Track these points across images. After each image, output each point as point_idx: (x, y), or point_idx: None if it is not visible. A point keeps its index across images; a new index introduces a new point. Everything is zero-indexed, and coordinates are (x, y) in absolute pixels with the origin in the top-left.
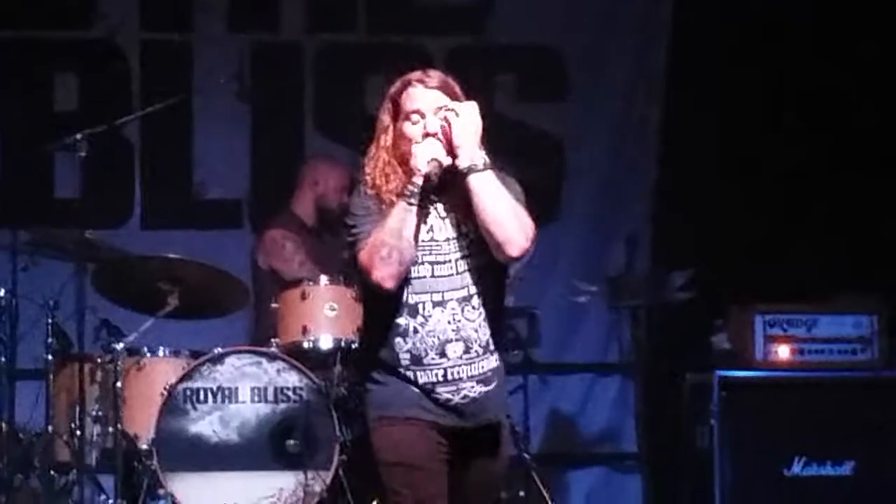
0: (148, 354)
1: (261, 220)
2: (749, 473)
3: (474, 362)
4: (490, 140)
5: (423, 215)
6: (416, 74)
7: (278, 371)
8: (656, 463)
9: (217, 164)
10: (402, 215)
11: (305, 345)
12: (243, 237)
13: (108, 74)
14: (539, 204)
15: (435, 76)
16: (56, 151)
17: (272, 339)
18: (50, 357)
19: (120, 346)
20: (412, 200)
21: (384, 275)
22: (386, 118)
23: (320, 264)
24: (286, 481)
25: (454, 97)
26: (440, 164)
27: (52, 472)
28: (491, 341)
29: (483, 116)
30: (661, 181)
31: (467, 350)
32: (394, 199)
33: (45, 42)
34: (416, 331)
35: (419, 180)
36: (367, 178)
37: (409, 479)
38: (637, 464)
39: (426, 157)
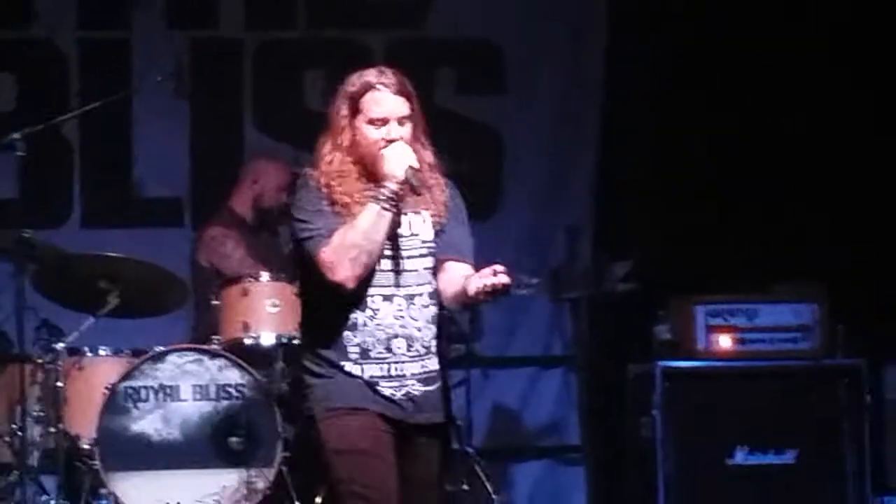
0: (89, 354)
1: (201, 218)
2: (692, 463)
3: (416, 360)
4: (430, 134)
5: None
6: (376, 76)
7: (220, 368)
8: (600, 455)
9: (156, 163)
10: (376, 220)
11: (247, 341)
12: (183, 235)
13: (46, 73)
14: (479, 197)
15: (394, 78)
16: None
17: (213, 337)
18: None
19: (60, 345)
20: (387, 206)
21: (351, 275)
22: (343, 118)
23: (260, 261)
24: (229, 479)
25: (411, 100)
26: (415, 170)
27: None
28: (433, 342)
29: (424, 110)
30: (601, 172)
31: (409, 347)
32: (346, 199)
33: None
34: (365, 324)
35: (394, 186)
36: (319, 175)
37: (360, 466)
38: (581, 456)
39: (402, 162)
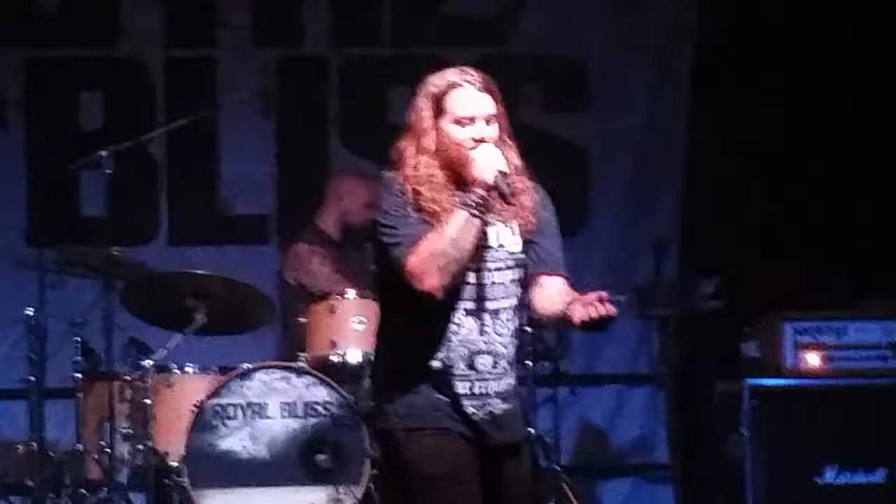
0: (176, 371)
1: (287, 235)
2: (781, 482)
3: (500, 378)
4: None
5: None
6: (459, 74)
7: (307, 386)
8: (688, 473)
9: (242, 180)
10: (464, 227)
11: (334, 359)
12: (270, 252)
13: (133, 92)
14: (566, 214)
15: (478, 76)
16: (82, 170)
17: (300, 354)
18: (79, 375)
19: (148, 363)
20: (476, 212)
21: (438, 284)
22: (428, 119)
23: (347, 278)
24: (317, 496)
25: (496, 99)
26: (504, 175)
27: (82, 491)
28: (514, 358)
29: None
30: (688, 188)
31: (495, 364)
32: (434, 206)
33: (70, 60)
34: (448, 339)
35: (483, 191)
36: (405, 179)
37: (444, 491)
38: (668, 474)
39: (490, 167)
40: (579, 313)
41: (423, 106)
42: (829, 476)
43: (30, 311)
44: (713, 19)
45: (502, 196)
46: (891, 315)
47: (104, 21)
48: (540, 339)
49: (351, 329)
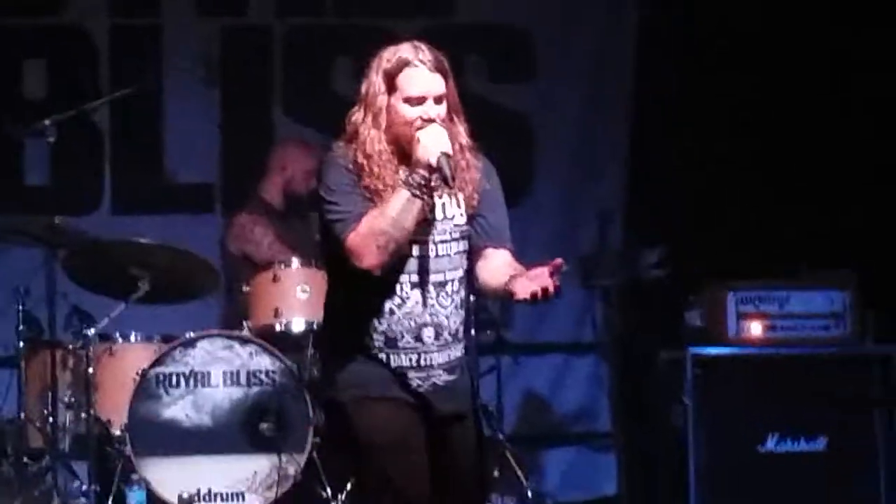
0: (120, 340)
1: (231, 204)
2: (723, 450)
3: (444, 349)
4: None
5: (425, 205)
6: (412, 52)
7: (251, 354)
8: (631, 441)
9: (187, 149)
10: (406, 206)
11: (277, 327)
12: (214, 221)
13: (77, 60)
14: (510, 184)
15: (430, 55)
16: (25, 138)
17: (244, 323)
18: (21, 344)
19: (91, 331)
20: (418, 192)
21: (377, 263)
22: (380, 95)
23: (290, 247)
24: (260, 465)
25: (447, 77)
26: (448, 156)
27: (25, 459)
28: (460, 329)
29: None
30: (632, 158)
31: (437, 336)
32: (378, 184)
33: (13, 29)
34: (392, 312)
35: (426, 173)
36: (352, 152)
37: (391, 458)
38: (611, 443)
39: (435, 148)
40: (522, 289)
41: (376, 81)
42: (771, 444)
43: None
44: None
45: (444, 179)
46: (833, 284)
47: None
48: (483, 307)
49: (294, 298)
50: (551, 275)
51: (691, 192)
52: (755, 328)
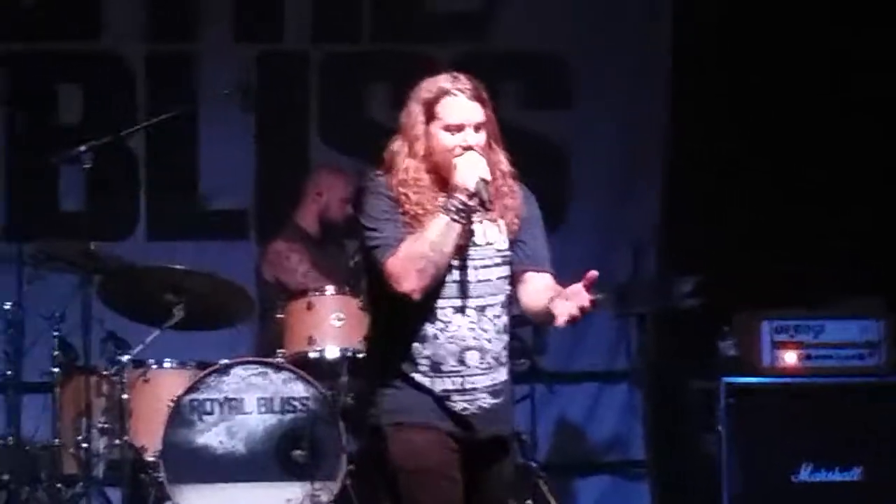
0: (154, 366)
1: (266, 230)
2: (757, 480)
3: (488, 373)
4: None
5: (464, 229)
6: (451, 82)
7: (284, 381)
8: (664, 470)
9: (222, 175)
10: (445, 231)
11: (311, 355)
12: (248, 248)
13: (114, 86)
14: (544, 211)
15: (469, 84)
16: (61, 164)
17: (278, 350)
18: (56, 370)
19: (126, 358)
20: (456, 217)
21: (417, 287)
22: (419, 125)
23: (325, 275)
24: (293, 492)
25: (485, 106)
26: (486, 182)
27: (59, 485)
28: (503, 354)
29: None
30: (667, 187)
31: (482, 360)
32: (418, 210)
33: (51, 54)
34: (436, 336)
35: (464, 197)
36: (393, 181)
37: (426, 485)
38: (645, 471)
39: (473, 174)
40: (561, 311)
41: (416, 111)
42: (805, 474)
43: (7, 306)
44: (691, 14)
45: (482, 203)
46: (868, 314)
47: (85, 14)
48: (517, 336)
49: (329, 325)
50: (587, 288)
51: (727, 221)
52: (790, 357)
